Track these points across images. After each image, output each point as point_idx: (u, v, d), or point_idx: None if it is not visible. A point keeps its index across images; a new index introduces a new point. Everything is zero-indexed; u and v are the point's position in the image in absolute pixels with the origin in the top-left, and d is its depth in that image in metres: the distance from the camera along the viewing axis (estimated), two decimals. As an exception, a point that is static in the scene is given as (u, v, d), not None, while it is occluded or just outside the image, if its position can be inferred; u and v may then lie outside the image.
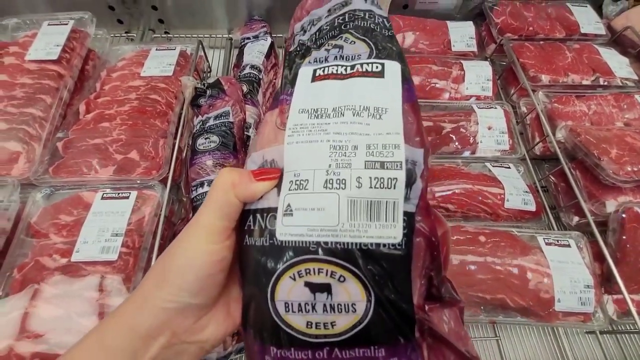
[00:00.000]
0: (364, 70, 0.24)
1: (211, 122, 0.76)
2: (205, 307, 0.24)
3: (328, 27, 0.28)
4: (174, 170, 0.69)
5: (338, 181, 0.21)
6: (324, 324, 0.21)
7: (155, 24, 1.08)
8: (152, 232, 0.61)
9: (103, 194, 0.63)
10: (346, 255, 0.21)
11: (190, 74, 0.79)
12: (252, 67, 0.89)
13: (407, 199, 0.22)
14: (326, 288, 0.21)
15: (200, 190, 0.71)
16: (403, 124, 0.22)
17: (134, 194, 0.63)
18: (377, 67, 0.24)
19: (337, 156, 0.22)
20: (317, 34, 0.29)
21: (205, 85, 0.80)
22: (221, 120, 0.75)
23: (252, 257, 0.22)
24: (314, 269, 0.21)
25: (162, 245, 0.60)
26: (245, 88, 0.85)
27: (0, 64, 0.79)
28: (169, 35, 1.10)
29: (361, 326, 0.21)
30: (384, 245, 0.21)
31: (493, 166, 0.78)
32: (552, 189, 0.79)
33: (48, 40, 0.81)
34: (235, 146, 0.72)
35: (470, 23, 1.02)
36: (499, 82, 0.96)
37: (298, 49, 0.30)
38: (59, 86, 0.77)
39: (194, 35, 1.09)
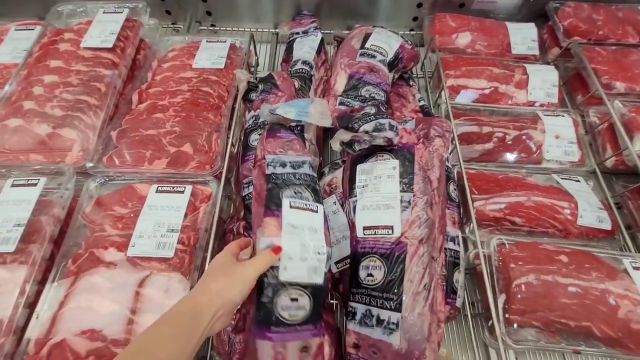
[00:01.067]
0: (311, 208, 0.53)
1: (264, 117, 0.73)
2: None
3: (292, 177, 0.56)
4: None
5: (305, 258, 0.49)
6: (294, 315, 0.47)
7: (203, 16, 1.06)
8: (206, 229, 0.59)
9: (158, 187, 0.61)
10: (305, 287, 0.48)
11: (243, 68, 0.77)
12: (304, 62, 0.85)
13: (326, 265, 0.50)
14: (297, 300, 0.48)
15: (251, 189, 0.68)
16: (324, 237, 0.52)
17: (189, 188, 0.61)
18: (316, 207, 0.54)
19: (304, 248, 0.49)
20: (284, 176, 0.55)
21: (257, 79, 0.78)
22: (275, 116, 0.72)
23: (267, 287, 0.47)
24: (294, 292, 0.47)
25: (216, 247, 0.58)
26: (297, 84, 0.82)
27: (55, 50, 0.78)
28: (215, 28, 1.08)
29: (307, 315, 0.48)
30: (317, 284, 0.49)
31: (562, 179, 0.73)
32: (626, 207, 0.73)
33: (103, 27, 0.80)
34: (291, 144, 0.70)
35: (532, 25, 0.96)
36: (563, 89, 0.90)
37: (274, 179, 0.55)
38: (113, 75, 0.76)
39: (240, 29, 1.07)
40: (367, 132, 0.56)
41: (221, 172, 0.65)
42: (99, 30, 0.80)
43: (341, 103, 0.70)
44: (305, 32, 0.97)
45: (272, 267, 0.46)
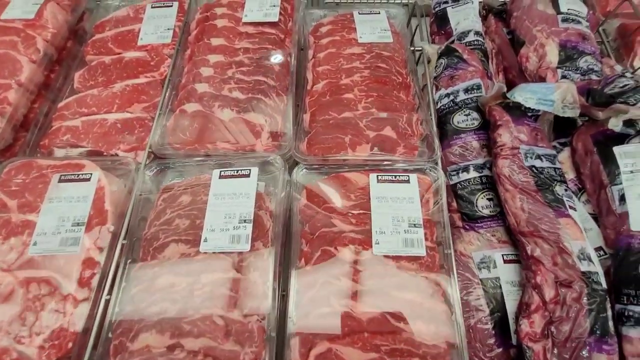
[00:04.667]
0: (575, 207, 0.53)
1: (462, 95, 0.65)
2: None
3: (552, 172, 0.54)
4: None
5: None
6: (610, 328, 0.46)
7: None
8: (441, 222, 0.52)
9: (378, 175, 0.54)
10: None
11: (428, 40, 0.68)
12: (477, 33, 0.75)
13: None
14: None
15: (465, 176, 0.60)
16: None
17: (413, 177, 0.54)
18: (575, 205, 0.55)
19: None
20: (545, 171, 0.53)
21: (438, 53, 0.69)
22: (475, 94, 0.63)
23: (601, 299, 0.46)
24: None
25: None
26: (477, 57, 0.73)
27: (212, 27, 0.71)
28: (339, 1, 0.99)
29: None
30: None
31: None
32: None
33: (262, 0, 0.72)
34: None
35: None
36: None
37: (537, 172, 0.53)
38: (284, 51, 0.68)
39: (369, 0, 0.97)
40: (650, 107, 0.47)
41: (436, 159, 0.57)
42: (257, 4, 0.72)
43: (563, 77, 0.61)
44: (456, 0, 0.87)
45: (593, 273, 0.46)
